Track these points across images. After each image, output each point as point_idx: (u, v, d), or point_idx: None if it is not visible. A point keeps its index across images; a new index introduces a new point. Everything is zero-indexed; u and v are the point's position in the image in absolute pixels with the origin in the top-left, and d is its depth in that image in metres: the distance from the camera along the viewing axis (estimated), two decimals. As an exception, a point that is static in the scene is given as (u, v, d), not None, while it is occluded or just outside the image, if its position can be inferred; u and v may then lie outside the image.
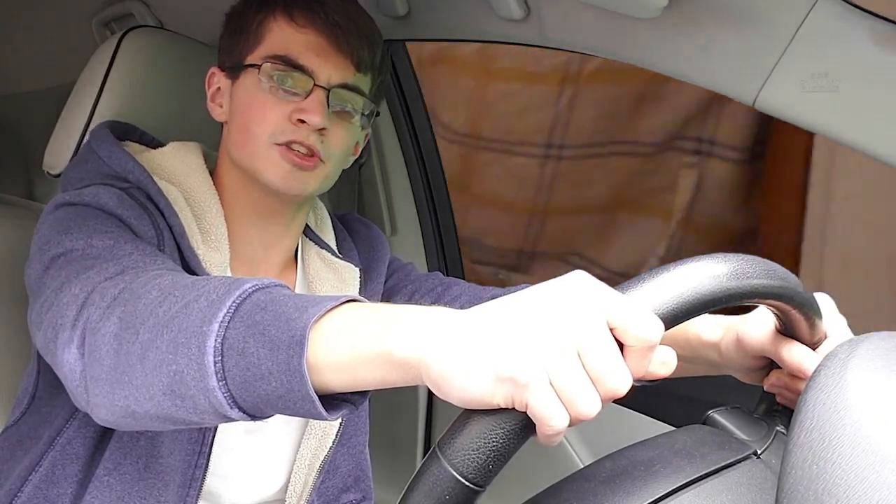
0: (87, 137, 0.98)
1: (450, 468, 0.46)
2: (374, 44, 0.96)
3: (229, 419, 0.59)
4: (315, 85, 0.90)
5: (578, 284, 0.48)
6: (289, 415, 0.57)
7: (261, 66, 0.91)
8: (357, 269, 1.06)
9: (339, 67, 0.92)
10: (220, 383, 0.57)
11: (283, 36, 0.92)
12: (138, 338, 0.62)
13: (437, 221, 1.60)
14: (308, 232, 1.06)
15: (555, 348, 0.45)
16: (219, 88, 0.98)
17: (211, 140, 1.02)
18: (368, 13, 0.98)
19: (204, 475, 0.90)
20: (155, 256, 0.77)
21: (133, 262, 0.74)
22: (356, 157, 1.03)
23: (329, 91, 0.91)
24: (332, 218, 1.11)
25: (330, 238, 1.08)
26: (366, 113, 0.96)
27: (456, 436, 0.46)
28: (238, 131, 0.93)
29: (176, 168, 0.94)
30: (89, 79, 1.06)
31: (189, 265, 0.88)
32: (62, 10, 1.51)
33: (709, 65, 0.93)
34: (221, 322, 0.57)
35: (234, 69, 0.95)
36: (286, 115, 0.90)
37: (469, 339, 0.47)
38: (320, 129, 0.90)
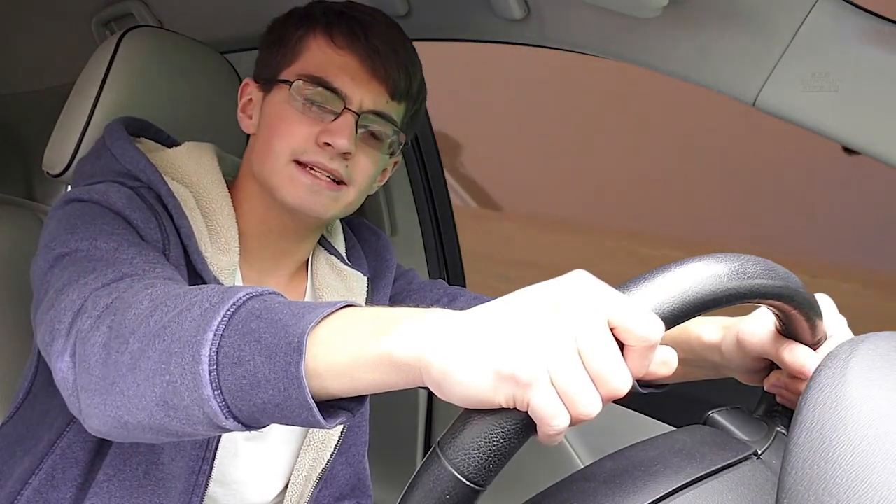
0: (102, 132, 0.97)
1: (450, 468, 0.46)
2: (412, 73, 0.94)
3: (224, 430, 0.58)
4: (345, 108, 0.89)
5: (579, 284, 0.48)
6: (285, 424, 0.57)
7: (293, 82, 0.89)
8: (365, 279, 1.05)
9: (373, 93, 0.90)
10: (215, 392, 0.56)
11: (320, 55, 0.91)
12: (128, 347, 0.61)
13: (437, 222, 1.60)
14: (320, 238, 1.05)
15: (556, 348, 0.45)
16: (250, 100, 0.97)
17: (210, 140, 1.01)
18: (410, 41, 0.96)
19: (207, 481, 0.90)
20: (155, 263, 0.76)
21: (132, 269, 0.73)
22: (382, 183, 1.01)
23: (359, 116, 0.89)
24: (343, 225, 1.10)
25: (340, 245, 1.07)
26: (394, 141, 0.94)
27: (456, 435, 0.46)
28: (262, 145, 0.92)
29: (189, 168, 0.93)
30: (89, 79, 1.06)
31: (196, 268, 0.87)
32: (62, 10, 1.51)
33: (709, 65, 0.93)
34: (216, 331, 0.56)
35: (268, 83, 0.94)
36: (312, 136, 0.88)
37: (470, 339, 0.47)
38: (344, 154, 0.89)
